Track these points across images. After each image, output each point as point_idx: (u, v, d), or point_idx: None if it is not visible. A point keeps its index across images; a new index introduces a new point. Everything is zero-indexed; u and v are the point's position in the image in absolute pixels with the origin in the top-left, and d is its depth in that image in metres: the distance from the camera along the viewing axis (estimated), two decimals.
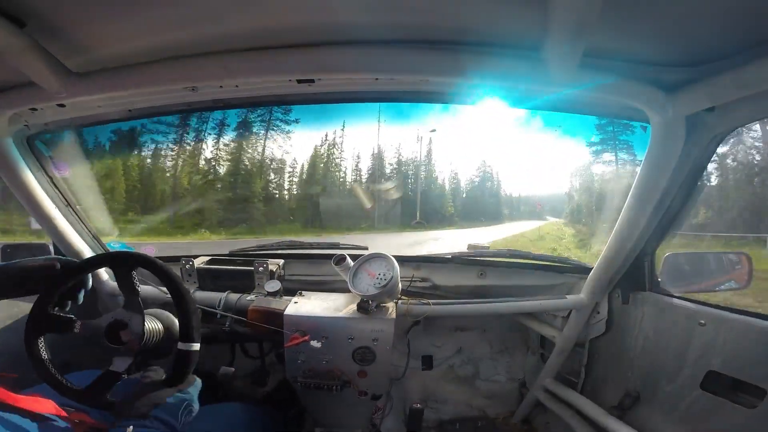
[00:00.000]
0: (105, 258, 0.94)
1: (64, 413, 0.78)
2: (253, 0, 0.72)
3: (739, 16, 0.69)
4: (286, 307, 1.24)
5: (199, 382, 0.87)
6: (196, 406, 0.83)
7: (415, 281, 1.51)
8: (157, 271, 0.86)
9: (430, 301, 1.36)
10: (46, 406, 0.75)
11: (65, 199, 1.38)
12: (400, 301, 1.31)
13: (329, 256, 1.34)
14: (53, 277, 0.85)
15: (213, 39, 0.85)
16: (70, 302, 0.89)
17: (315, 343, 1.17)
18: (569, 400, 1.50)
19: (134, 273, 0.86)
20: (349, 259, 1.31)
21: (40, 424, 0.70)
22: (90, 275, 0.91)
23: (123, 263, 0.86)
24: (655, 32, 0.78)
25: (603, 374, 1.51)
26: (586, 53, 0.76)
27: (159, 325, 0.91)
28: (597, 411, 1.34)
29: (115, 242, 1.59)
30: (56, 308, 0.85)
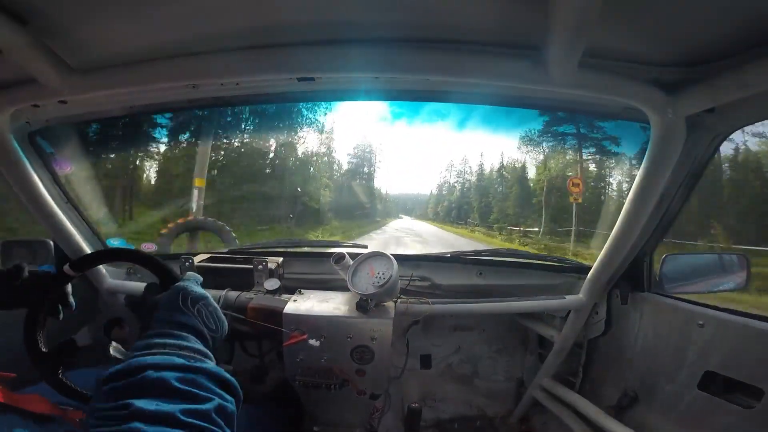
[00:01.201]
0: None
1: (61, 413, 0.78)
2: None
3: (740, 16, 0.69)
4: (286, 305, 1.24)
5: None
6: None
7: (414, 280, 1.51)
8: (156, 269, 0.86)
9: (429, 300, 1.36)
10: (44, 406, 0.75)
11: (66, 196, 1.38)
12: (399, 300, 1.31)
13: (328, 255, 1.34)
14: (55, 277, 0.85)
15: (214, 37, 0.85)
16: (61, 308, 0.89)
17: (313, 342, 1.17)
18: (567, 399, 1.50)
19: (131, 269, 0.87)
20: (348, 258, 1.31)
21: (40, 424, 0.71)
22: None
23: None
24: (656, 32, 0.78)
25: (601, 374, 1.51)
26: (586, 53, 0.76)
27: None
28: (595, 411, 1.35)
29: (114, 239, 1.59)
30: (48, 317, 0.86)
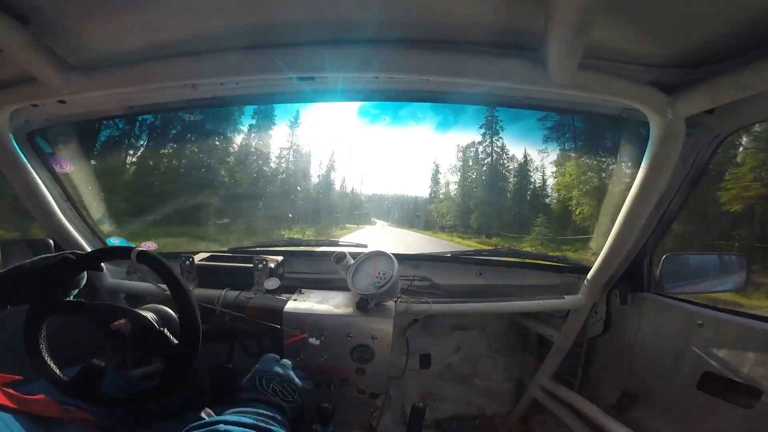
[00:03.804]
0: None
1: (67, 414, 0.78)
2: None
3: (740, 18, 0.70)
4: (285, 304, 1.24)
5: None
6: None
7: (414, 280, 1.51)
8: (157, 268, 0.86)
9: (429, 300, 1.36)
10: (51, 408, 0.75)
11: (65, 195, 1.38)
12: (399, 300, 1.31)
13: (329, 254, 1.34)
14: (68, 266, 0.85)
15: (214, 36, 0.85)
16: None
17: (313, 341, 1.17)
18: (566, 399, 1.51)
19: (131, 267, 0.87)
20: (349, 257, 1.31)
21: (48, 427, 0.71)
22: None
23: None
24: (656, 33, 0.78)
25: (600, 374, 1.52)
26: (586, 54, 0.76)
27: (159, 322, 0.91)
28: (594, 410, 1.35)
29: (114, 238, 1.59)
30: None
